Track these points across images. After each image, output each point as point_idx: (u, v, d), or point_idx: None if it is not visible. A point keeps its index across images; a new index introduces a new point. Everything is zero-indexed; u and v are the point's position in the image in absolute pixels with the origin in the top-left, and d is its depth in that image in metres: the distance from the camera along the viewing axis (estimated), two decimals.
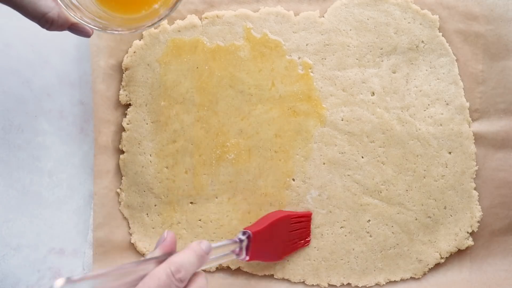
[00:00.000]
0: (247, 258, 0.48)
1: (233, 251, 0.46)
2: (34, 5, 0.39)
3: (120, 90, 0.55)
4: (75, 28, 0.42)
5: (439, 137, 0.54)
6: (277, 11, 0.53)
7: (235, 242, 0.47)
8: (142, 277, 0.36)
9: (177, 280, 0.36)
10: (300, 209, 0.55)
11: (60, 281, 0.32)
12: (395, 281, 0.55)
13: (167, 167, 0.55)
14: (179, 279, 0.37)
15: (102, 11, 0.43)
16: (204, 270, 0.55)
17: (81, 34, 0.43)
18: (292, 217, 0.52)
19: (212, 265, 0.43)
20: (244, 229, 0.49)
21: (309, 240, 0.54)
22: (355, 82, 0.54)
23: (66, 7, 0.39)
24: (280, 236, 0.52)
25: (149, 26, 0.42)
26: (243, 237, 0.47)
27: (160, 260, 0.38)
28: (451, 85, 0.54)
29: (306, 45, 0.53)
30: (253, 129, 0.54)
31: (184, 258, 0.38)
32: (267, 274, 0.55)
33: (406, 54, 0.53)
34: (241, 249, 0.47)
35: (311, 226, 0.54)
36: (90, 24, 0.40)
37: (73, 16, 0.40)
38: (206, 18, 0.54)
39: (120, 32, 0.41)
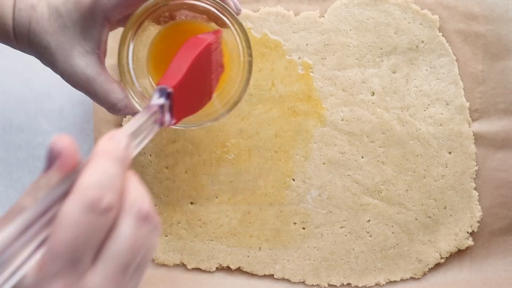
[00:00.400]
0: (173, 121, 0.36)
1: (154, 122, 0.33)
2: (106, 96, 0.42)
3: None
4: None
5: (439, 137, 0.54)
6: (277, 11, 0.53)
7: (155, 111, 0.34)
8: (48, 223, 0.24)
9: (103, 211, 0.24)
10: (300, 209, 0.55)
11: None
12: (395, 281, 0.55)
13: (167, 167, 0.55)
14: (105, 208, 0.24)
15: None
16: (204, 271, 0.56)
17: None
18: (213, 42, 0.41)
19: (136, 151, 0.31)
20: (159, 83, 0.35)
21: (223, 64, 0.44)
22: (355, 82, 0.54)
23: (133, 100, 0.42)
24: (204, 72, 0.40)
25: (204, 125, 0.43)
26: (164, 100, 0.35)
27: (62, 190, 0.25)
28: (451, 85, 0.54)
29: (306, 45, 0.53)
30: (253, 129, 0.54)
31: (100, 173, 0.25)
32: (267, 274, 0.55)
33: (406, 54, 0.53)
34: (163, 115, 0.35)
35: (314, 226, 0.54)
36: None
37: (139, 107, 0.42)
38: None
39: (177, 127, 0.41)
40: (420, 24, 0.53)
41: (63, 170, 0.26)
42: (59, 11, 0.41)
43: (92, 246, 0.25)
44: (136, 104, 0.42)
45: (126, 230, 0.25)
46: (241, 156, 0.54)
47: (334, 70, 0.54)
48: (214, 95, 0.45)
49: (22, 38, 0.42)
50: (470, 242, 0.55)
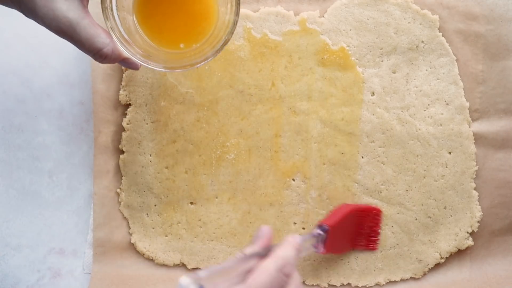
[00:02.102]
0: (324, 251, 0.49)
1: (312, 245, 0.48)
2: (91, 41, 0.41)
3: (120, 90, 0.55)
4: (126, 62, 0.44)
5: (439, 137, 0.54)
6: (277, 11, 0.53)
7: (315, 236, 0.48)
8: (245, 272, 0.37)
9: (284, 274, 0.38)
10: (300, 209, 0.55)
11: (186, 279, 0.35)
12: (395, 281, 0.55)
13: (167, 167, 0.55)
14: (286, 273, 0.38)
15: (148, 44, 0.45)
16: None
17: (130, 67, 0.45)
18: (362, 210, 0.53)
19: (300, 255, 0.44)
20: (320, 223, 0.49)
21: (377, 241, 0.55)
22: (355, 82, 0.54)
23: (120, 43, 0.42)
24: (351, 228, 0.53)
25: (192, 66, 0.43)
26: (322, 232, 0.49)
27: (261, 255, 0.39)
28: (451, 85, 0.54)
29: (306, 45, 0.53)
30: (253, 129, 0.54)
31: (287, 252, 0.40)
32: None
33: (406, 54, 0.53)
34: (318, 242, 0.48)
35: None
36: (140, 59, 0.42)
37: (126, 52, 0.42)
38: None
39: (167, 70, 0.43)
40: (420, 24, 0.53)
41: (263, 244, 0.42)
42: None
43: None
44: (123, 48, 0.42)
45: None
46: (241, 156, 0.54)
47: (334, 70, 0.54)
48: (200, 44, 0.45)
49: None
50: (470, 242, 0.55)
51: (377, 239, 0.54)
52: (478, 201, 0.55)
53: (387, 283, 0.55)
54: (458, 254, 0.55)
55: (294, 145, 0.54)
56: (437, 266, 0.55)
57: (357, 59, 0.54)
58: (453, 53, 0.54)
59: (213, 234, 0.55)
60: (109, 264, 0.55)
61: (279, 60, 0.53)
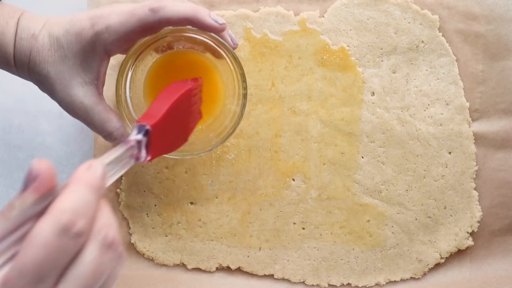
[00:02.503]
0: (148, 158, 0.37)
1: (130, 156, 0.35)
2: (103, 125, 0.43)
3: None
4: None
5: (439, 137, 0.54)
6: (277, 11, 0.53)
7: (132, 146, 0.35)
8: (17, 241, 0.25)
9: (74, 236, 0.25)
10: (300, 209, 0.55)
11: None
12: (395, 281, 0.55)
13: (167, 167, 0.55)
14: (77, 233, 0.25)
15: None
16: (204, 271, 0.56)
17: None
18: (193, 88, 0.43)
19: (110, 182, 0.32)
20: (139, 120, 0.37)
21: (201, 111, 0.46)
22: (355, 82, 0.54)
23: (130, 128, 0.43)
24: (181, 116, 0.42)
25: (198, 155, 0.45)
26: (142, 137, 0.36)
27: (37, 210, 0.26)
28: (451, 85, 0.54)
29: (306, 45, 0.53)
30: (253, 129, 0.54)
31: (76, 199, 0.26)
32: (267, 274, 0.55)
33: (406, 54, 0.53)
34: (139, 150, 0.36)
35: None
36: None
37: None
38: None
39: (171, 156, 0.44)
40: (420, 24, 0.53)
41: (38, 192, 0.27)
42: (59, 42, 0.42)
43: (57, 268, 0.25)
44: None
45: (89, 255, 0.26)
46: (241, 156, 0.54)
47: (334, 70, 0.54)
48: (203, 126, 0.47)
49: (23, 66, 0.43)
50: (470, 242, 0.55)
51: (200, 108, 0.45)
52: (478, 201, 0.54)
53: (387, 283, 0.55)
54: (458, 254, 0.55)
55: (294, 145, 0.54)
56: (437, 266, 0.55)
57: (357, 59, 0.54)
58: (453, 53, 0.54)
59: (213, 234, 0.55)
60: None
61: (279, 60, 0.53)
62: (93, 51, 0.41)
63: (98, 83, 0.43)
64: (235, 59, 0.44)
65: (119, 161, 0.33)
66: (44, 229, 0.24)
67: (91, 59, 0.42)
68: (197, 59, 0.47)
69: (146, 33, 0.42)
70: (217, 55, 0.45)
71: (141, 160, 0.37)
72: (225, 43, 0.43)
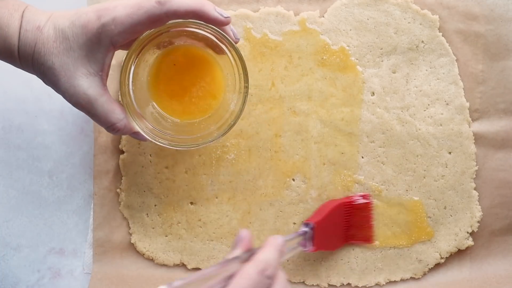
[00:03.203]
0: (313, 248, 0.49)
1: (299, 244, 0.48)
2: (106, 116, 0.44)
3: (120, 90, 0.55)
4: (136, 135, 0.46)
5: (439, 137, 0.54)
6: (277, 11, 0.53)
7: (300, 234, 0.48)
8: (227, 278, 0.37)
9: (267, 277, 0.37)
10: (299, 209, 0.55)
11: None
12: (395, 281, 0.55)
13: (167, 167, 0.55)
14: (268, 276, 0.38)
15: (157, 111, 0.48)
16: None
17: (139, 139, 0.47)
18: (348, 203, 0.53)
19: (283, 259, 0.43)
20: (305, 221, 0.50)
21: (371, 233, 0.54)
22: (355, 82, 0.54)
23: (132, 119, 0.45)
24: (339, 223, 0.53)
25: (199, 147, 0.47)
26: (307, 229, 0.49)
27: (243, 259, 0.39)
28: (451, 85, 0.54)
29: (306, 45, 0.53)
30: (253, 129, 0.54)
31: (268, 255, 0.39)
32: None
33: (406, 54, 0.53)
34: (305, 240, 0.49)
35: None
36: (149, 135, 0.45)
37: (137, 127, 0.45)
38: None
39: (173, 147, 0.46)
40: (420, 24, 0.53)
41: (243, 248, 0.40)
42: (65, 34, 0.42)
43: None
44: (134, 123, 0.44)
45: None
46: (241, 156, 0.54)
47: (334, 70, 0.54)
48: (203, 119, 0.48)
49: (27, 58, 0.43)
50: (470, 242, 0.55)
51: (371, 232, 0.54)
52: (478, 201, 0.55)
53: (387, 283, 0.55)
54: (458, 254, 0.55)
55: (294, 145, 0.54)
56: (437, 266, 0.55)
57: (357, 59, 0.54)
58: (453, 53, 0.54)
59: (213, 234, 0.55)
60: (109, 264, 0.55)
61: (279, 60, 0.53)
62: (99, 42, 0.42)
63: (102, 75, 0.44)
64: (237, 53, 0.44)
65: (291, 243, 0.47)
66: (249, 270, 0.37)
67: (97, 51, 0.42)
68: (198, 54, 0.47)
69: (152, 25, 0.42)
70: (218, 51, 0.46)
71: (306, 249, 0.49)
72: (228, 37, 0.44)
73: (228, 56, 0.45)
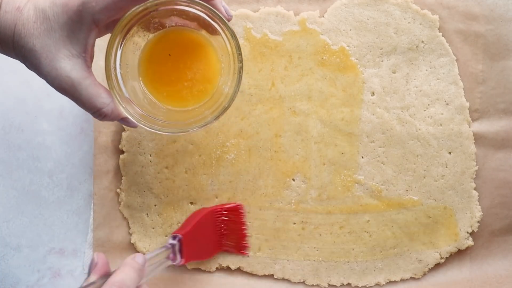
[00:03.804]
0: (183, 261, 0.49)
1: (167, 258, 0.47)
2: (91, 101, 0.41)
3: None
4: (124, 121, 0.44)
5: (439, 137, 0.54)
6: (277, 11, 0.53)
7: (168, 248, 0.48)
8: None
9: None
10: (300, 209, 0.55)
11: None
12: (395, 281, 0.55)
13: (167, 167, 0.55)
14: None
15: (149, 99, 0.45)
16: (204, 271, 0.56)
17: (129, 126, 0.45)
18: (217, 211, 0.53)
19: (150, 276, 0.44)
20: (173, 233, 0.49)
21: (244, 243, 0.55)
22: (355, 82, 0.54)
23: (120, 104, 0.42)
24: (209, 232, 0.53)
25: (192, 131, 0.44)
26: (175, 241, 0.48)
27: (98, 285, 0.38)
28: (451, 85, 0.54)
29: (306, 45, 0.53)
30: (253, 129, 0.54)
31: (124, 276, 0.39)
32: (267, 274, 0.55)
33: (406, 54, 0.53)
34: (174, 253, 0.48)
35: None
36: (138, 120, 0.42)
37: (124, 112, 0.42)
38: None
39: (164, 132, 0.43)
40: (420, 24, 0.53)
41: (98, 273, 0.40)
42: (45, 14, 0.40)
43: None
44: (122, 108, 0.42)
45: None
46: (241, 156, 0.54)
47: (334, 70, 0.54)
48: (198, 105, 0.46)
49: (7, 40, 0.41)
50: (470, 242, 0.55)
51: (245, 240, 0.54)
52: (478, 201, 0.54)
53: (387, 283, 0.55)
54: (458, 254, 0.55)
55: (294, 145, 0.54)
56: (437, 266, 0.55)
57: (357, 59, 0.54)
58: (453, 53, 0.54)
59: None
60: (109, 264, 0.55)
61: (279, 60, 0.53)
62: (80, 21, 0.40)
63: (86, 56, 0.42)
64: (230, 31, 0.42)
65: (157, 258, 0.45)
66: None
67: (78, 30, 0.40)
68: (192, 37, 0.45)
69: (136, 0, 0.40)
70: (211, 31, 0.44)
71: (176, 262, 0.48)
72: (219, 14, 0.41)
73: (221, 36, 0.43)
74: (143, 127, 0.43)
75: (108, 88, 0.42)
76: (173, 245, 0.48)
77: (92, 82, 0.42)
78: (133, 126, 0.44)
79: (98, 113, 0.42)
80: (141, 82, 0.46)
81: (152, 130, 0.43)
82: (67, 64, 0.41)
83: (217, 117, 0.43)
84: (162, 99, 0.46)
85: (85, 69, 0.41)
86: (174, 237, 0.49)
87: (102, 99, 0.42)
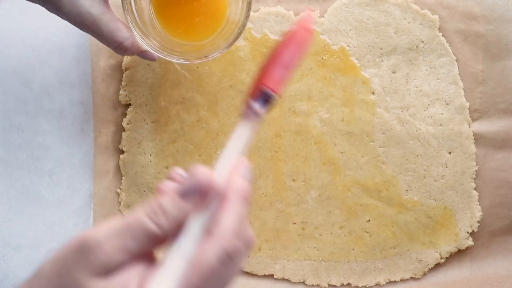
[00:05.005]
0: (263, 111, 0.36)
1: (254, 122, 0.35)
2: (112, 35, 0.44)
3: (120, 90, 0.55)
4: (144, 54, 0.46)
5: (439, 137, 0.54)
6: (277, 11, 0.53)
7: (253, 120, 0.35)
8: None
9: (234, 263, 0.29)
10: (300, 209, 0.55)
11: None
12: (395, 281, 0.55)
13: (167, 167, 0.55)
14: (236, 262, 0.29)
15: (162, 35, 0.47)
16: None
17: (148, 58, 0.48)
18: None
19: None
20: (263, 88, 0.34)
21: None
22: (355, 82, 0.54)
23: (139, 37, 0.44)
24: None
25: (207, 58, 0.45)
26: (262, 109, 0.36)
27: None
28: (451, 85, 0.54)
29: None
30: None
31: (236, 220, 0.30)
32: (267, 274, 0.55)
33: (406, 54, 0.53)
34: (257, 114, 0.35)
35: None
36: (158, 51, 0.45)
37: (145, 45, 0.45)
38: None
39: (184, 61, 0.45)
40: (420, 24, 0.53)
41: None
42: None
43: None
44: (142, 41, 0.44)
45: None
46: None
47: (334, 70, 0.54)
48: (211, 38, 0.48)
49: None
50: (470, 242, 0.55)
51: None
52: (478, 201, 0.54)
53: (387, 283, 0.55)
54: (458, 254, 0.55)
55: (294, 145, 0.54)
56: (437, 266, 0.55)
57: (357, 59, 0.54)
58: (453, 53, 0.54)
59: None
60: None
61: None
62: None
63: None
64: None
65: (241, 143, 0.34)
66: (211, 256, 0.29)
67: None
68: None
69: None
70: None
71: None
72: None
73: None
74: (162, 57, 0.45)
75: (123, 11, 0.44)
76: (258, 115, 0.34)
77: (112, 17, 0.44)
78: (153, 59, 0.47)
79: (119, 47, 0.44)
80: (152, 14, 0.47)
81: (171, 60, 0.45)
82: (87, 1, 0.43)
83: (231, 44, 0.45)
84: (178, 35, 0.48)
85: (103, 4, 0.44)
86: (263, 99, 0.34)
87: (122, 33, 0.44)
